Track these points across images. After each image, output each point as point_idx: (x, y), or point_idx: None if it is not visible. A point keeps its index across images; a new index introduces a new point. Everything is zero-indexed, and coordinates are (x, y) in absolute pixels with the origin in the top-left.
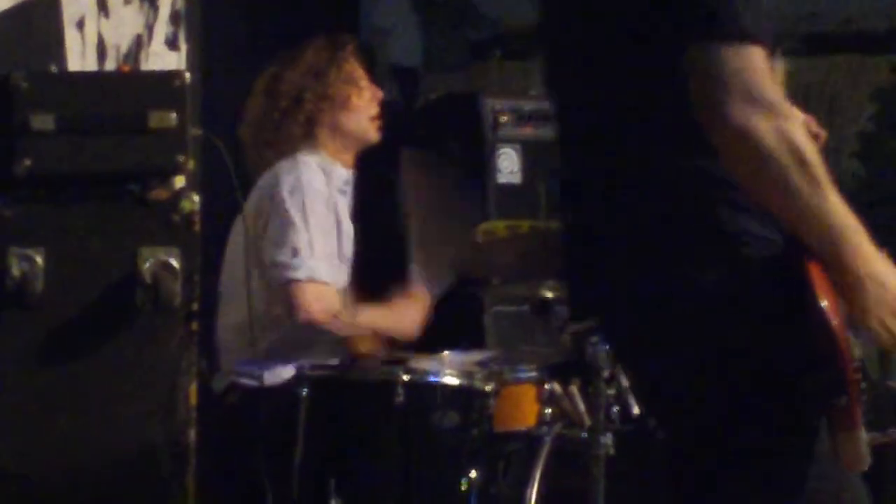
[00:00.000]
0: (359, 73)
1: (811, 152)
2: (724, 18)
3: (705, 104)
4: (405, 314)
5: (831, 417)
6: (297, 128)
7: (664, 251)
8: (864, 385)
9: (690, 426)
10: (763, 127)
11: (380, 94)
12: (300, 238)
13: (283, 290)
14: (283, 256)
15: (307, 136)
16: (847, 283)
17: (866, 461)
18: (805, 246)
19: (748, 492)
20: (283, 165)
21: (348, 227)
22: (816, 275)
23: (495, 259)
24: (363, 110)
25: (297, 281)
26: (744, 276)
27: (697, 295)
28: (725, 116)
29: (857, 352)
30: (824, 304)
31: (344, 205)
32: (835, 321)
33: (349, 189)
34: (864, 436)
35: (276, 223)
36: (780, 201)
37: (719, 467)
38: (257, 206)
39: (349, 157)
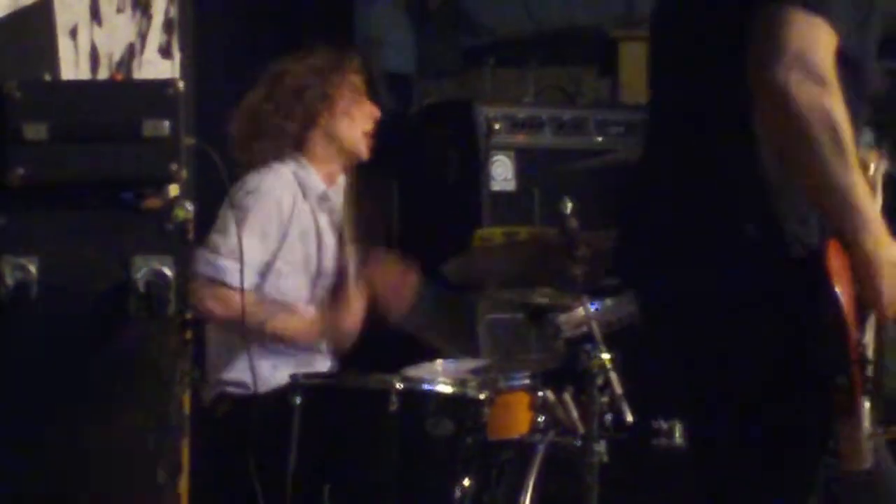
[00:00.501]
0: (361, 85)
1: (846, 133)
2: None
3: (758, 61)
4: (330, 324)
5: (832, 398)
6: (292, 125)
7: (714, 241)
8: (868, 373)
9: (713, 404)
10: (805, 93)
11: (377, 112)
12: (227, 240)
13: (198, 283)
14: (205, 252)
15: (299, 137)
16: (862, 262)
17: (867, 458)
18: (829, 236)
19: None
20: (255, 173)
21: (329, 241)
22: (836, 265)
23: (490, 265)
24: (359, 122)
25: (202, 276)
26: (781, 275)
27: (736, 282)
28: (773, 75)
29: (867, 339)
30: (838, 289)
31: (324, 218)
32: (846, 306)
33: (331, 203)
34: (865, 431)
35: (219, 216)
36: (808, 169)
37: (741, 448)
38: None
39: (336, 169)
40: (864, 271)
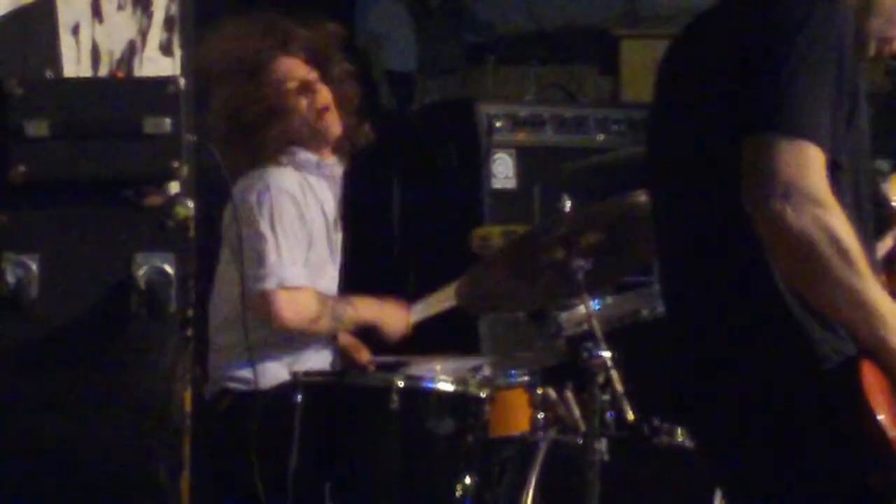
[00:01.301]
0: (293, 70)
1: (852, 242)
2: (787, 111)
3: (750, 194)
4: (392, 312)
5: None
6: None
7: (747, 346)
8: None
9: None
10: (802, 218)
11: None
12: (268, 247)
13: (256, 302)
14: (252, 267)
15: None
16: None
17: None
18: (860, 351)
19: None
20: (254, 174)
21: (332, 219)
22: (871, 381)
23: (491, 289)
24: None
25: (266, 291)
26: (815, 382)
27: (769, 393)
28: (767, 207)
29: None
30: (877, 410)
31: (328, 194)
32: (889, 427)
33: (329, 169)
34: None
35: (246, 234)
36: (824, 291)
37: None
38: (232, 214)
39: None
40: None
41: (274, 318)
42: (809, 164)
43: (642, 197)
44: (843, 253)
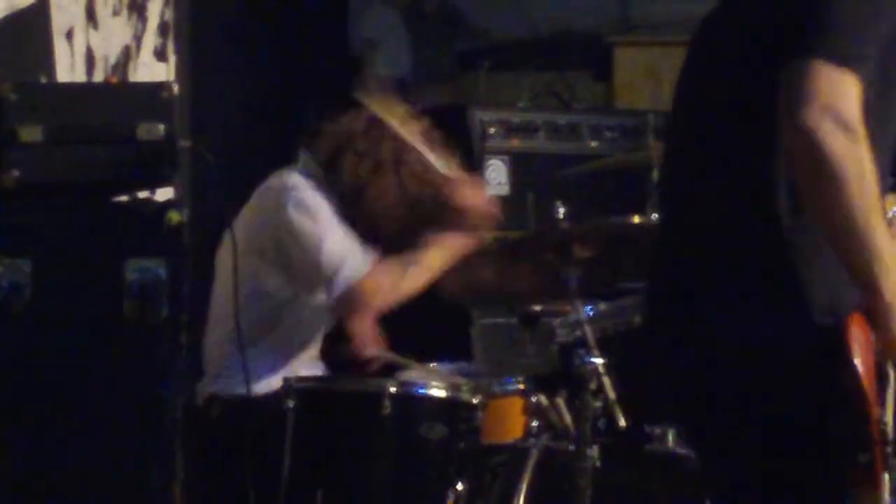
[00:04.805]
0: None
1: (872, 183)
2: (830, 39)
3: (788, 107)
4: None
5: (852, 474)
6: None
7: (738, 296)
8: (889, 450)
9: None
10: (834, 138)
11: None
12: (327, 248)
13: (344, 300)
14: (327, 270)
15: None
16: (881, 311)
17: None
18: (849, 308)
19: None
20: (275, 185)
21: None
22: (858, 337)
23: (479, 279)
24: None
25: (350, 288)
26: (803, 336)
27: (756, 342)
28: (803, 119)
29: (888, 417)
30: (858, 364)
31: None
32: (866, 381)
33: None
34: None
35: (299, 246)
36: (834, 212)
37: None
38: (258, 224)
39: None
40: (882, 321)
41: (364, 310)
42: (849, 94)
43: (636, 218)
44: (863, 186)
